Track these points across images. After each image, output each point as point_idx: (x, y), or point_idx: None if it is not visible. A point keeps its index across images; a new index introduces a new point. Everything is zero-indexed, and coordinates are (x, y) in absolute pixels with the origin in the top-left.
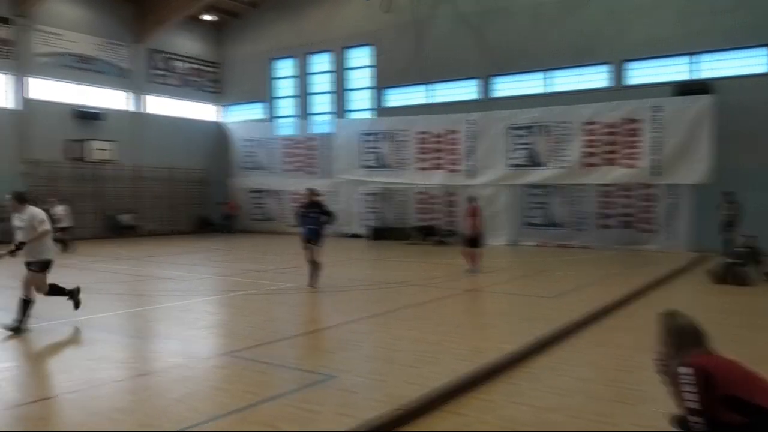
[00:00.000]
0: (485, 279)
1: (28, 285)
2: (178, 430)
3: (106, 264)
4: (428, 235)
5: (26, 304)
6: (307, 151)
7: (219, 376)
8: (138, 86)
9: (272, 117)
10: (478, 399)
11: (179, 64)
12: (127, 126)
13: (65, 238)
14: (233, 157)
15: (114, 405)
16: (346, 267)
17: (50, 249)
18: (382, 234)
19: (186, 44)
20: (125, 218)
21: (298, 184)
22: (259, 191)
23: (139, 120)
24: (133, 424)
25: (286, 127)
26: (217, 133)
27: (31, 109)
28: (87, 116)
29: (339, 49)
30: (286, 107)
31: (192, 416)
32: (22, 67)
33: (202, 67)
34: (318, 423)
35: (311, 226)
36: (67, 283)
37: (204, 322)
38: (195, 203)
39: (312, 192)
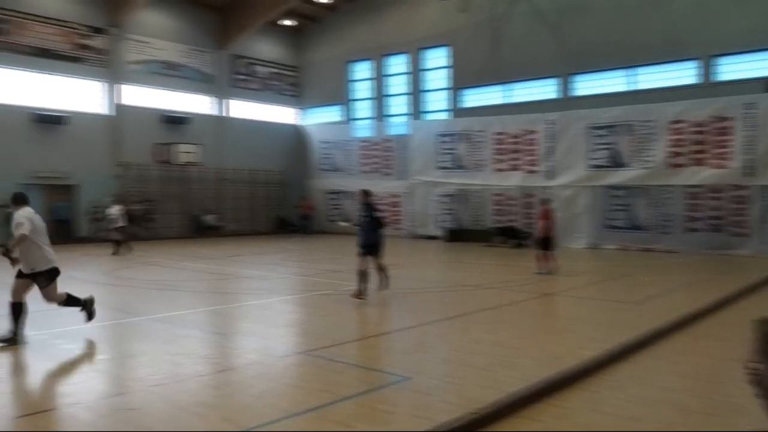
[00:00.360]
0: (563, 283)
1: (17, 292)
2: (258, 425)
3: (190, 263)
4: (510, 237)
5: (15, 308)
6: (384, 153)
7: (296, 374)
8: (221, 91)
9: (349, 119)
10: (555, 406)
11: (260, 68)
12: (211, 129)
13: (120, 239)
14: (311, 159)
15: (197, 399)
16: (420, 268)
17: (43, 257)
18: (457, 236)
19: (266, 49)
20: (209, 219)
21: (374, 186)
22: (336, 192)
23: (221, 124)
24: (215, 419)
25: (363, 129)
26: (296, 135)
27: (123, 114)
28: (174, 120)
29: (415, 51)
30: (363, 109)
31: (271, 413)
32: (114, 74)
33: (281, 71)
34: (392, 424)
35: (367, 231)
36: (83, 293)
37: (282, 321)
38: (274, 204)
39: (365, 193)
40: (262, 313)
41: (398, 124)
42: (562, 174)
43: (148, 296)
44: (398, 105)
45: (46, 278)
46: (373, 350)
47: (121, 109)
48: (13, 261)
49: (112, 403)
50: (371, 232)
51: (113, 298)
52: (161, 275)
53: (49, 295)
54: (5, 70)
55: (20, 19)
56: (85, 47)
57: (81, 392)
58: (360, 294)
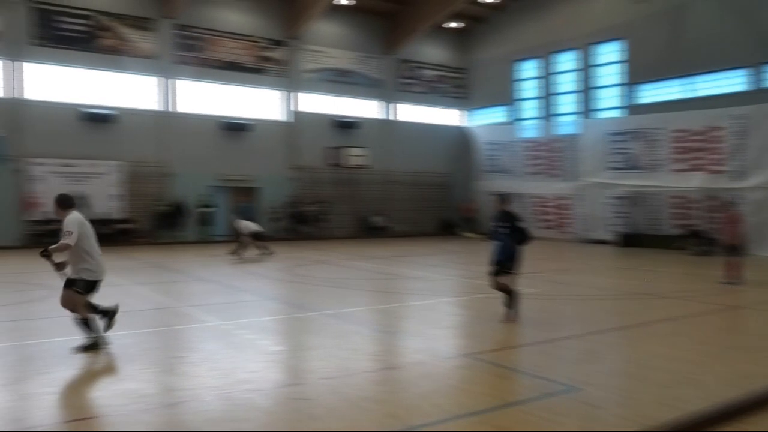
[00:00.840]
0: (754, 294)
1: (67, 304)
2: (422, 424)
3: (358, 262)
4: (695, 242)
5: (85, 322)
6: (551, 154)
7: (460, 377)
8: (388, 95)
9: (515, 119)
10: (744, 431)
11: (426, 71)
12: (379, 133)
13: (259, 245)
14: (476, 161)
15: (365, 394)
16: (590, 274)
17: (88, 268)
18: (633, 240)
19: (432, 52)
20: (376, 220)
21: (540, 188)
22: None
23: (388, 127)
24: (381, 414)
25: (530, 129)
26: (460, 137)
27: (298, 120)
28: (344, 125)
29: (585, 46)
30: (530, 109)
31: (435, 413)
32: (292, 83)
33: (446, 74)
34: None
35: (501, 244)
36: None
37: (446, 322)
38: (439, 206)
39: (501, 199)
40: (426, 313)
41: (567, 124)
42: (754, 174)
43: (321, 293)
44: (567, 103)
45: (83, 287)
46: (539, 357)
47: (297, 115)
48: (57, 266)
49: (286, 392)
50: (507, 245)
51: (289, 294)
52: (332, 273)
53: (71, 301)
54: (199, 83)
55: (211, 37)
56: (266, 59)
57: (259, 380)
58: (510, 316)
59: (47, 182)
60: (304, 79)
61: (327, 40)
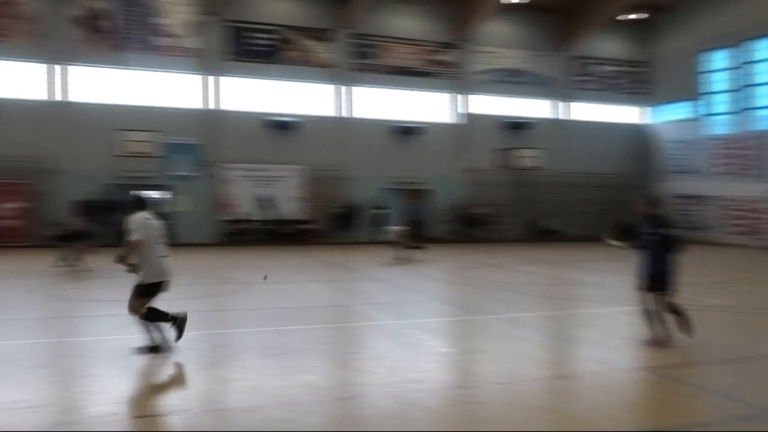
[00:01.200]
0: None
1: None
2: None
3: (529, 266)
4: None
5: (147, 323)
6: (745, 152)
7: (638, 391)
8: (560, 94)
9: (703, 115)
10: None
11: (601, 67)
12: (551, 133)
13: (412, 244)
14: (658, 161)
15: (535, 402)
16: None
17: (152, 270)
18: None
19: (607, 47)
20: (549, 223)
21: (732, 189)
22: (686, 197)
23: (561, 127)
24: (549, 423)
25: (720, 126)
26: (640, 135)
27: (468, 122)
28: (515, 126)
29: None
30: (720, 103)
31: (609, 426)
32: (462, 85)
33: (624, 69)
34: None
35: (653, 257)
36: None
37: (624, 332)
38: (615, 209)
39: (649, 202)
40: (602, 322)
41: (766, 118)
42: None
43: (490, 296)
44: (765, 96)
45: (142, 289)
46: (731, 376)
47: (467, 117)
48: (132, 267)
49: (456, 394)
50: (659, 258)
51: (458, 296)
52: (502, 277)
53: (134, 305)
54: (372, 89)
55: (384, 43)
56: (437, 62)
57: (429, 380)
58: (659, 341)
59: (239, 185)
60: (474, 80)
61: (497, 40)
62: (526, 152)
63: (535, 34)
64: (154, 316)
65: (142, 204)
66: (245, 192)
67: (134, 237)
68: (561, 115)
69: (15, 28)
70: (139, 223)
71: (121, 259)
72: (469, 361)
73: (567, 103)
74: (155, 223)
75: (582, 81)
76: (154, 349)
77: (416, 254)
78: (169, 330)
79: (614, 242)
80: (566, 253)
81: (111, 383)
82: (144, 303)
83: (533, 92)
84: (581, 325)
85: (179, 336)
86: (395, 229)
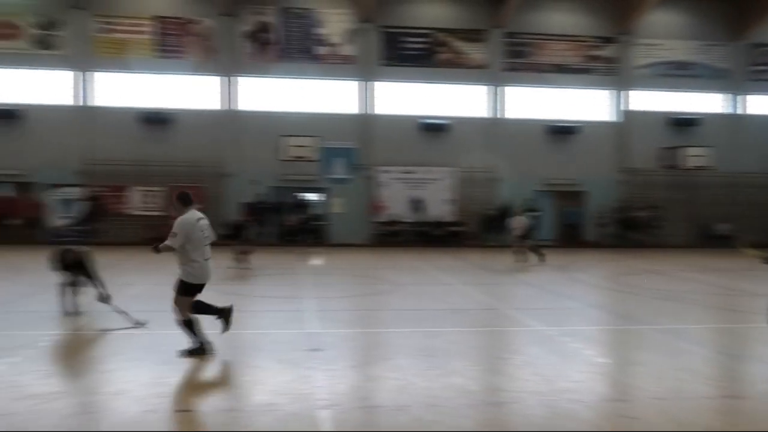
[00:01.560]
0: None
1: (175, 306)
2: None
3: (696, 274)
4: None
5: (188, 324)
6: None
7: None
8: (736, 86)
9: None
10: None
11: None
12: (723, 130)
13: (524, 247)
14: None
15: (697, 421)
16: None
17: (192, 273)
18: None
19: None
20: (721, 228)
21: None
22: None
23: (734, 122)
24: None
25: None
26: None
27: (628, 120)
28: (681, 123)
29: None
30: None
31: None
32: (622, 81)
33: None
34: None
35: None
36: (224, 302)
37: None
38: None
39: None
40: None
41: None
42: None
43: (651, 305)
44: None
45: (184, 289)
46: None
47: (627, 114)
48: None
49: (612, 407)
50: None
51: (616, 304)
52: (665, 285)
53: (178, 306)
54: (526, 88)
55: (538, 41)
56: (594, 58)
57: (583, 390)
58: None
59: (391, 188)
60: (635, 75)
61: (662, 32)
62: (694, 150)
63: (705, 23)
64: (200, 310)
65: (191, 201)
66: (397, 194)
67: (176, 240)
68: (736, 110)
69: (193, 45)
70: (185, 224)
71: (157, 251)
72: (627, 373)
73: (743, 96)
74: (204, 223)
75: (762, 71)
76: (199, 351)
77: (533, 257)
78: (215, 322)
79: (752, 252)
80: (738, 261)
81: (270, 375)
82: (189, 302)
83: (702, 86)
84: (756, 340)
85: (225, 328)
86: (516, 228)
